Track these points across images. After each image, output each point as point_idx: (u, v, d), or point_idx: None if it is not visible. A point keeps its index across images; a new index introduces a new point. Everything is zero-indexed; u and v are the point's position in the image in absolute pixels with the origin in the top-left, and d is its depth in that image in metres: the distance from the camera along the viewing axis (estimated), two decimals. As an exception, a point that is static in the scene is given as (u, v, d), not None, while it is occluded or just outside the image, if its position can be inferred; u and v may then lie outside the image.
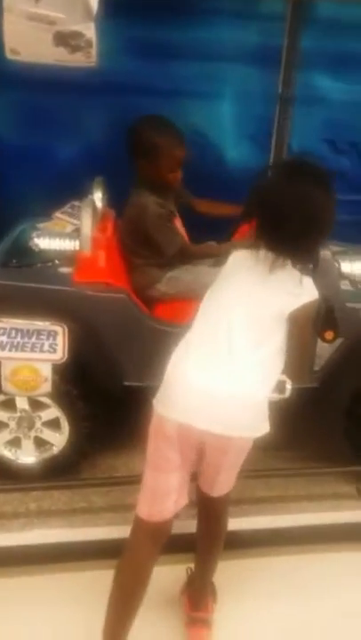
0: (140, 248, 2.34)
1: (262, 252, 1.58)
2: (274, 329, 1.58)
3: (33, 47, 1.97)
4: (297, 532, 2.21)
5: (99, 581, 1.95)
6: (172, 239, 2.31)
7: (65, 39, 1.94)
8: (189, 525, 1.83)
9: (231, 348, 1.55)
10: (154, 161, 2.24)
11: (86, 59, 2.00)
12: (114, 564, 1.98)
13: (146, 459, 1.66)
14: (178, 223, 2.47)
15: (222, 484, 1.70)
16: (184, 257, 2.35)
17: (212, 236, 2.64)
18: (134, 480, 2.23)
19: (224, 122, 2.89)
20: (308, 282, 1.62)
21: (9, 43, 2.01)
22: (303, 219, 1.50)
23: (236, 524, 2.11)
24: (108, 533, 2.08)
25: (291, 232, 1.52)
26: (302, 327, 1.63)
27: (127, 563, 1.66)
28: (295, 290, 1.58)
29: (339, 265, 2.37)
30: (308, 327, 1.69)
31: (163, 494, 1.64)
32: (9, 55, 2.07)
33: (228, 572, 2.02)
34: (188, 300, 2.34)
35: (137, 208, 2.29)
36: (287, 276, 1.58)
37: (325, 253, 2.11)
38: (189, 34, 2.64)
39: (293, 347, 1.63)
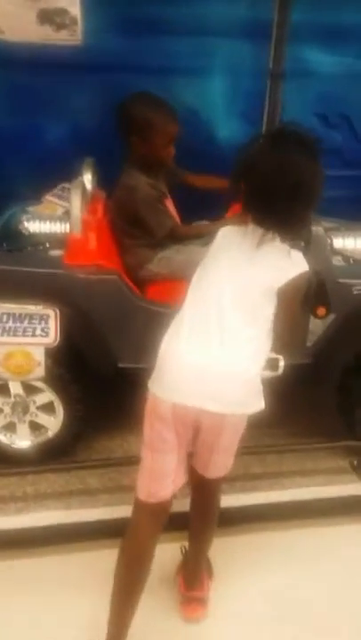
0: (131, 228, 2.32)
1: (250, 227, 1.57)
2: (264, 305, 1.57)
3: (17, 25, 1.95)
4: (292, 506, 2.24)
5: (98, 562, 1.99)
6: (163, 220, 2.29)
7: (49, 16, 1.91)
8: (184, 503, 1.84)
9: (222, 326, 1.55)
10: (147, 137, 2.21)
11: (71, 36, 1.97)
12: (112, 543, 2.01)
13: (143, 440, 1.67)
14: (169, 203, 2.44)
15: (217, 465, 1.71)
16: (174, 238, 2.34)
17: (205, 214, 2.62)
18: (130, 461, 2.27)
19: (215, 98, 2.85)
20: (296, 255, 1.60)
21: (-8, 21, 1.98)
22: (289, 186, 1.47)
23: (230, 500, 2.15)
24: (105, 514, 2.10)
25: (277, 201, 1.48)
26: (291, 301, 1.61)
27: (130, 543, 1.68)
28: (284, 264, 1.56)
29: (331, 241, 2.36)
30: (298, 301, 1.66)
31: (161, 475, 1.65)
32: (-7, 34, 2.03)
33: (224, 549, 2.05)
34: (180, 280, 2.34)
35: (127, 189, 2.27)
36: (275, 250, 1.56)
37: (318, 229, 2.09)
38: (177, 9, 2.58)
39: (282, 321, 1.61)
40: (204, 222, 2.58)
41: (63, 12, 1.89)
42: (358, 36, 2.81)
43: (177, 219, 2.46)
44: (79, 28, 1.92)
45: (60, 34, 1.93)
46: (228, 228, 1.67)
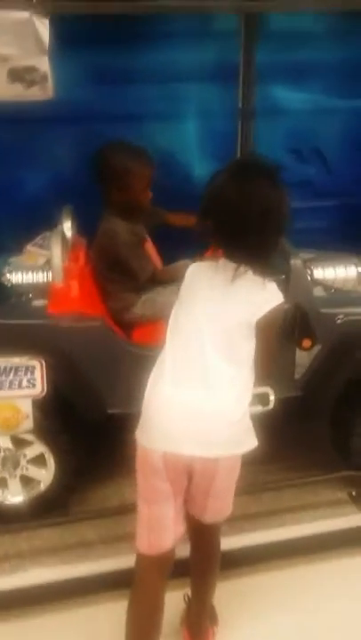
0: (113, 274, 2.33)
1: (221, 262, 1.56)
2: (244, 340, 1.55)
3: (-12, 85, 1.96)
4: (294, 544, 2.20)
5: (100, 616, 1.95)
6: (144, 266, 2.32)
7: (20, 75, 1.93)
8: (184, 549, 1.80)
9: (205, 366, 1.53)
10: (125, 184, 2.25)
11: (43, 92, 1.99)
12: (113, 596, 1.98)
13: (138, 492, 1.64)
14: (149, 246, 2.47)
15: (214, 509, 1.68)
16: (155, 282, 2.36)
17: (186, 253, 2.64)
18: (125, 509, 2.23)
19: (189, 141, 2.91)
20: (271, 287, 1.58)
21: (-37, 82, 2.01)
22: (257, 214, 1.46)
23: (231, 542, 2.10)
24: (103, 567, 2.04)
25: (247, 231, 1.48)
26: (268, 333, 1.59)
27: (137, 597, 1.64)
28: (259, 297, 1.55)
29: (311, 272, 2.38)
30: (275, 333, 1.64)
31: (159, 525, 1.61)
32: (-36, 95, 2.06)
33: (228, 593, 2.01)
34: (164, 321, 2.35)
35: (108, 236, 2.29)
36: (249, 283, 1.54)
37: (296, 262, 2.11)
38: (145, 57, 2.66)
39: (261, 354, 1.60)
40: (182, 262, 2.61)
41: (33, 69, 1.92)
42: (323, 73, 2.90)
43: (158, 261, 2.49)
44: (50, 83, 1.95)
45: (32, 90, 1.95)
46: (197, 264, 1.66)
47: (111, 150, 2.27)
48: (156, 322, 2.33)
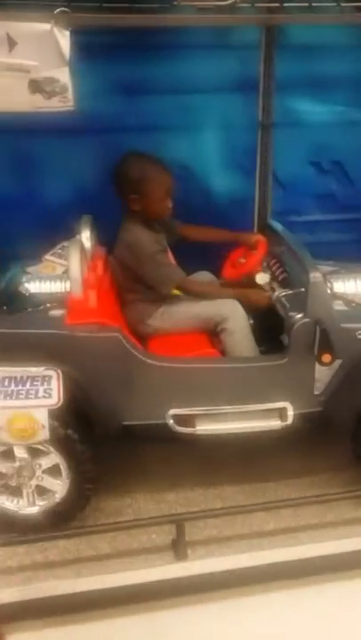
0: (133, 284, 2.33)
1: None
2: None
3: (8, 97, 1.98)
4: (312, 562, 2.14)
5: (112, 631, 1.91)
6: (170, 274, 2.31)
7: (40, 86, 1.95)
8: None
9: None
10: (145, 193, 2.26)
11: (63, 103, 2.00)
12: (126, 611, 1.95)
13: None
14: (169, 258, 2.46)
15: None
16: (184, 292, 2.34)
17: (203, 266, 2.64)
18: (139, 524, 2.21)
19: (208, 153, 2.91)
20: None
21: (-15, 94, 2.03)
22: None
23: (246, 559, 2.08)
24: (117, 580, 2.01)
25: None
26: None
27: None
28: None
29: (332, 285, 2.35)
30: None
31: None
32: (-14, 106, 2.08)
33: (243, 610, 1.98)
34: (181, 333, 2.33)
35: (129, 246, 2.29)
36: None
37: (316, 275, 2.08)
38: (165, 69, 2.67)
39: None
40: (209, 275, 2.59)
41: (53, 80, 1.94)
42: (344, 85, 2.89)
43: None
44: (70, 94, 1.96)
45: (52, 101, 1.96)
46: None
47: (128, 160, 2.30)
48: (173, 334, 2.33)
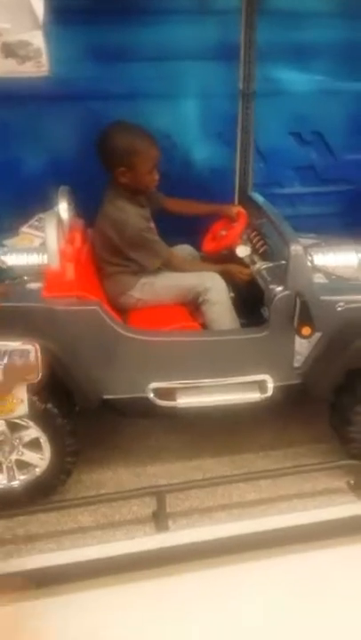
0: (114, 257, 2.30)
1: None
2: None
3: (-19, 61, 1.90)
4: (291, 531, 2.18)
5: (95, 602, 1.93)
6: (158, 252, 2.28)
7: (12, 50, 1.87)
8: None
9: None
10: (132, 165, 2.21)
11: (37, 68, 1.93)
12: (108, 581, 1.96)
13: None
14: (154, 231, 2.42)
15: None
16: (166, 267, 2.32)
17: (184, 237, 2.61)
18: (121, 496, 2.22)
19: (188, 122, 2.86)
20: None
21: None
22: None
23: (227, 529, 2.10)
24: (99, 552, 2.02)
25: None
26: None
27: None
28: None
29: (312, 258, 2.34)
30: None
31: None
32: None
33: (224, 580, 2.00)
34: (163, 305, 2.32)
35: (116, 223, 2.24)
36: None
37: (297, 248, 2.07)
38: (145, 35, 2.60)
39: None
40: (189, 249, 2.57)
41: (26, 44, 1.86)
42: (326, 54, 2.84)
43: None
44: (44, 59, 1.89)
45: (25, 66, 1.89)
46: None
47: (117, 130, 2.22)
48: (154, 305, 2.31)
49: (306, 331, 2.03)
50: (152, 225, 2.40)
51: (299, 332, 2.04)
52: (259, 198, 2.61)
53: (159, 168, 2.30)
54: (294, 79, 2.85)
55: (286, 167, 3.04)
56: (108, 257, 2.30)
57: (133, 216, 2.24)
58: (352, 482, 2.30)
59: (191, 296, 2.29)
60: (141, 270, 2.30)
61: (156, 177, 2.29)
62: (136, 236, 2.23)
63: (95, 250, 2.35)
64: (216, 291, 2.26)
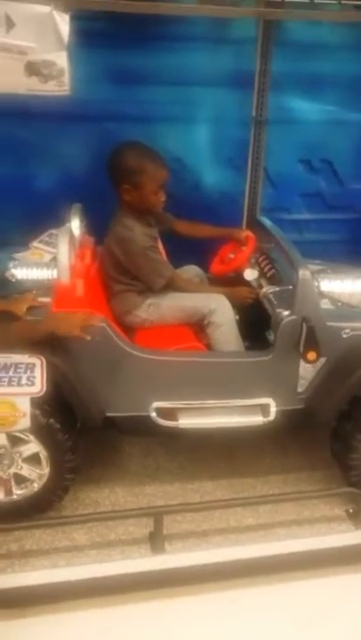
0: (121, 276, 2.31)
1: None
2: None
3: (5, 77, 1.95)
4: (288, 558, 2.16)
5: (87, 623, 1.90)
6: (161, 271, 2.29)
7: (37, 68, 1.92)
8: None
9: None
10: (138, 185, 2.23)
11: (59, 87, 1.98)
12: (101, 602, 1.94)
13: None
14: (160, 250, 2.45)
15: None
16: (170, 287, 2.33)
17: (192, 259, 2.63)
18: (117, 515, 2.20)
19: (200, 146, 2.90)
20: None
21: (-20, 73, 2.00)
22: None
23: (225, 553, 2.08)
24: (92, 572, 2.00)
25: None
26: None
27: None
28: None
29: (318, 284, 2.36)
30: None
31: None
32: (-20, 86, 2.05)
33: (219, 604, 1.98)
34: (168, 326, 2.33)
35: (121, 241, 2.26)
36: None
37: (305, 273, 2.09)
38: (162, 60, 2.65)
39: None
40: (197, 269, 2.60)
41: (50, 64, 1.91)
42: (338, 85, 2.90)
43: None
44: (66, 78, 1.94)
45: (48, 85, 1.94)
46: None
47: (126, 150, 2.25)
48: (160, 326, 2.32)
49: (311, 356, 2.04)
50: (159, 245, 2.42)
51: (304, 357, 2.04)
52: (267, 222, 2.64)
53: (166, 190, 2.33)
54: (306, 108, 2.90)
55: (295, 193, 3.08)
56: (115, 275, 2.32)
57: (139, 234, 2.26)
58: (351, 510, 2.28)
59: (197, 317, 2.30)
60: (147, 290, 2.31)
61: (162, 198, 2.31)
62: (140, 255, 2.25)
63: (103, 267, 2.37)
64: (221, 313, 2.27)
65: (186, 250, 2.58)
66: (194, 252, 2.61)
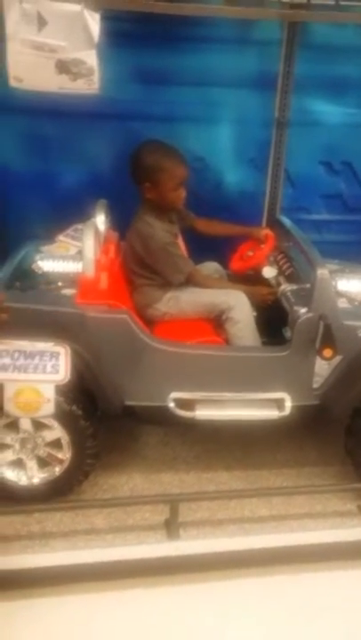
0: (142, 270, 2.38)
1: None
2: None
3: (35, 75, 2.02)
4: (299, 550, 2.20)
5: (101, 604, 1.96)
6: (181, 266, 2.34)
7: (67, 67, 1.99)
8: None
9: None
10: (158, 181, 2.29)
11: (88, 86, 2.05)
12: (116, 585, 2.00)
13: None
14: (180, 245, 2.50)
15: None
16: (190, 282, 2.38)
17: (212, 256, 2.69)
18: (135, 501, 2.26)
19: (222, 146, 2.95)
20: None
21: (12, 71, 2.07)
22: None
23: (237, 543, 2.12)
24: (110, 555, 2.06)
25: None
26: None
27: None
28: None
29: (336, 283, 2.40)
30: None
31: None
32: (12, 83, 2.13)
33: (231, 593, 2.02)
34: (188, 320, 2.38)
35: (142, 237, 2.32)
36: None
37: (323, 272, 2.13)
38: (187, 61, 2.71)
39: None
40: (216, 266, 2.65)
41: (80, 62, 1.98)
42: (359, 88, 2.92)
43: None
44: (95, 77, 2.00)
45: (77, 83, 2.01)
46: None
47: (145, 149, 2.32)
48: (180, 319, 2.38)
49: (328, 353, 2.08)
50: (179, 241, 2.47)
51: (320, 354, 2.09)
52: (287, 222, 2.68)
53: (188, 188, 2.38)
54: (328, 111, 2.94)
55: (315, 194, 3.12)
56: (137, 269, 2.39)
57: (159, 230, 2.32)
58: (363, 505, 2.32)
59: (215, 313, 2.35)
60: (168, 284, 2.37)
61: (182, 195, 2.36)
62: (160, 250, 2.30)
63: (125, 262, 2.44)
64: (240, 309, 2.32)
65: (206, 247, 2.64)
66: (214, 249, 2.67)
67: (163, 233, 2.33)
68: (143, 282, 2.39)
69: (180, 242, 2.52)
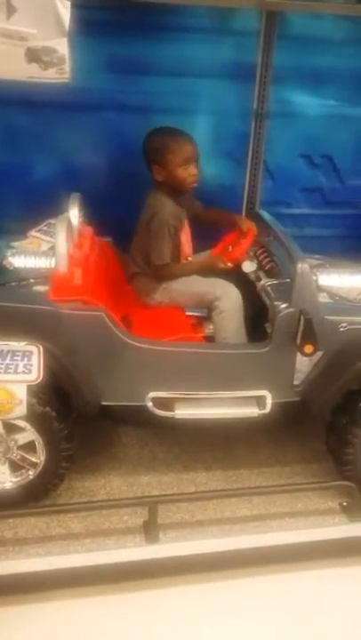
0: (144, 259, 2.38)
1: None
2: None
3: (5, 64, 1.93)
4: (281, 550, 2.17)
5: (79, 611, 1.91)
6: (163, 253, 2.33)
7: (37, 55, 1.91)
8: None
9: None
10: (165, 162, 2.30)
11: (60, 75, 1.97)
12: (93, 591, 1.94)
13: None
14: (185, 233, 2.48)
15: None
16: (162, 274, 2.37)
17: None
18: (112, 504, 2.20)
19: (200, 138, 2.85)
20: None
21: (-20, 60, 1.98)
22: None
23: (218, 544, 2.09)
24: (86, 560, 2.01)
25: None
26: None
27: None
28: None
29: (317, 278, 2.37)
30: None
31: None
32: (-20, 72, 2.04)
33: (212, 595, 1.99)
34: (167, 315, 2.34)
35: (152, 209, 2.34)
36: None
37: (304, 266, 2.09)
38: (163, 50, 2.65)
39: None
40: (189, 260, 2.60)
41: (51, 50, 1.90)
42: (340, 80, 2.90)
43: (189, 247, 2.52)
44: (67, 66, 1.93)
45: (48, 72, 1.93)
46: None
47: (151, 133, 2.36)
48: (158, 314, 2.34)
49: (308, 348, 2.04)
50: (185, 228, 2.47)
51: (301, 350, 2.05)
52: (266, 216, 2.65)
53: (198, 165, 2.36)
54: (307, 102, 2.91)
55: (294, 188, 3.09)
56: (142, 255, 2.38)
57: (169, 208, 2.34)
58: (345, 503, 2.29)
59: (204, 302, 2.35)
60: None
61: (193, 172, 2.35)
62: (159, 227, 2.30)
63: (134, 245, 2.42)
64: (227, 299, 2.30)
65: (207, 237, 2.59)
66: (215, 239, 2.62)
67: (168, 214, 2.33)
68: (141, 270, 2.40)
69: (187, 227, 2.50)
